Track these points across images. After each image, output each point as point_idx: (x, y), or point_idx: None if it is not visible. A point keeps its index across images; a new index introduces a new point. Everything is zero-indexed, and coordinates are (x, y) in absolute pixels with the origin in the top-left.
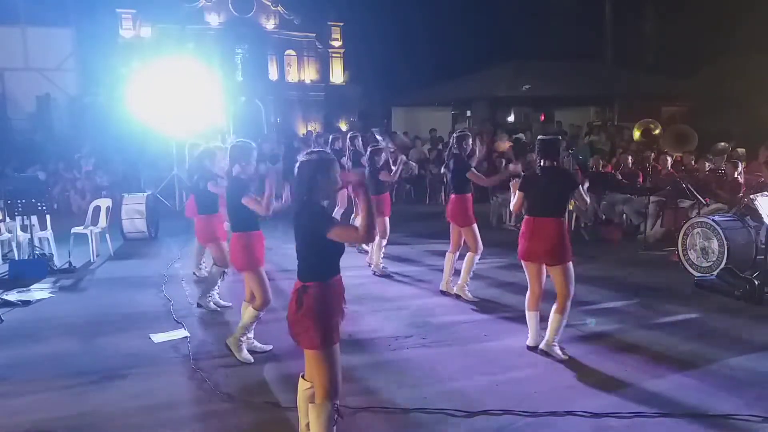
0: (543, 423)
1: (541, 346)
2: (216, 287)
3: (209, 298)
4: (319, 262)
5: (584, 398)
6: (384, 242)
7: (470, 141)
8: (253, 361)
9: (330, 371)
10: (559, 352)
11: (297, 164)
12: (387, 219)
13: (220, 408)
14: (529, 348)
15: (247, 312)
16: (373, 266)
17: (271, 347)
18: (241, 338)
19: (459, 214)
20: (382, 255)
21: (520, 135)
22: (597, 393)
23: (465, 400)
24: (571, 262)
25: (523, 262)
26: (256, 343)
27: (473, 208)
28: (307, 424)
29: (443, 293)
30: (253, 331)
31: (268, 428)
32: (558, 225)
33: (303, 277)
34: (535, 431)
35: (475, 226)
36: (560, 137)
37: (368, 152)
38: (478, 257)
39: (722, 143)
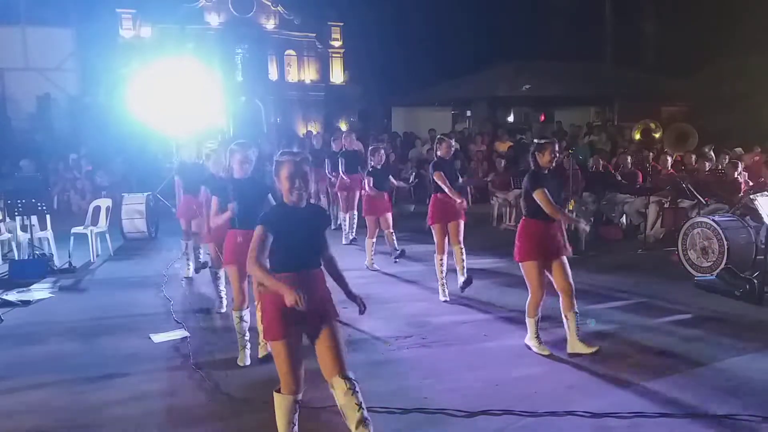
0: (543, 423)
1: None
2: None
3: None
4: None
5: (584, 398)
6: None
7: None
8: None
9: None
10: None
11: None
12: (389, 215)
13: (220, 408)
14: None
15: None
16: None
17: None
18: None
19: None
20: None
21: (523, 136)
22: (597, 393)
23: (465, 400)
24: (524, 262)
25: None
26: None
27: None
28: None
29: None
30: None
31: (268, 428)
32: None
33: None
34: (535, 431)
35: (437, 226)
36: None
37: (368, 151)
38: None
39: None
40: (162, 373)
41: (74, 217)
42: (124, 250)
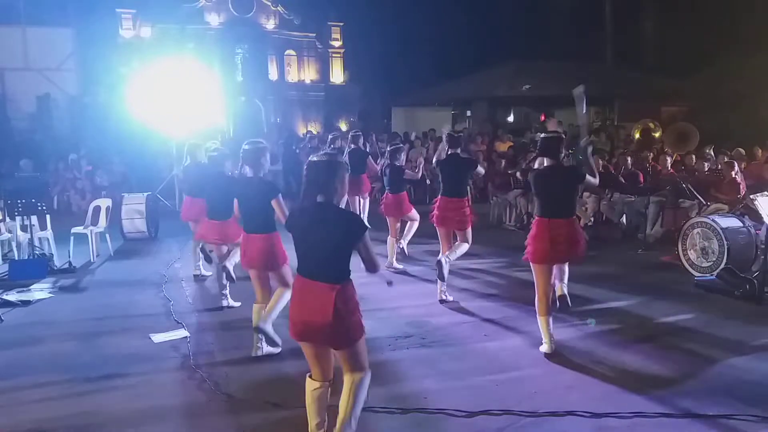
0: (543, 423)
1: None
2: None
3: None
4: (348, 262)
5: (584, 398)
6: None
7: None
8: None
9: (365, 354)
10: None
11: (306, 165)
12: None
13: (220, 408)
14: (547, 356)
15: (283, 296)
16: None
17: (279, 350)
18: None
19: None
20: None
21: (525, 139)
22: (597, 393)
23: (465, 400)
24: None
25: (535, 265)
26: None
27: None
28: (317, 424)
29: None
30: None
31: (268, 428)
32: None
33: (338, 279)
34: (534, 431)
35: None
36: (563, 135)
37: (388, 151)
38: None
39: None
40: (162, 373)
41: (74, 217)
42: (124, 250)
